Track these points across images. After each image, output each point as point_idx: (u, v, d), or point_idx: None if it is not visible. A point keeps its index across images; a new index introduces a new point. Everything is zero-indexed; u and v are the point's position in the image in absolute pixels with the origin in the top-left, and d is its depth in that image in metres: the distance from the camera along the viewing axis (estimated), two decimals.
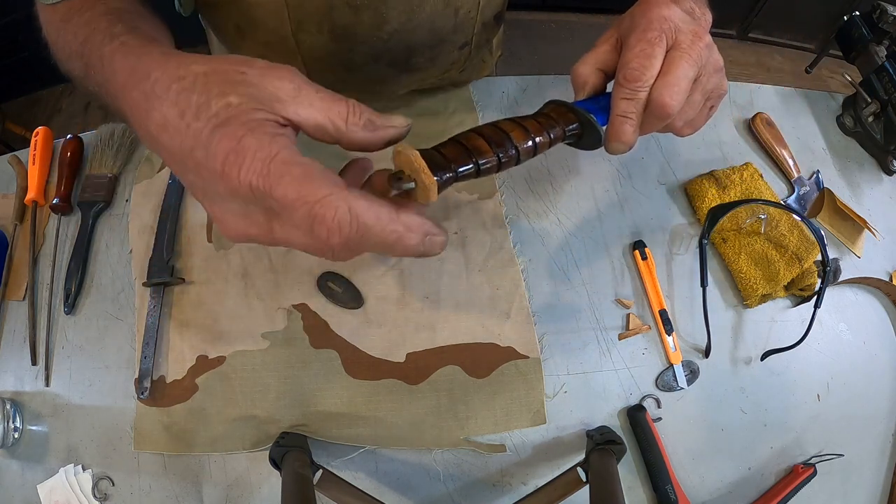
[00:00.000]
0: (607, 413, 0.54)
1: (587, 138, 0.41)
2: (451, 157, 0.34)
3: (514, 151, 0.36)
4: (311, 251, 0.30)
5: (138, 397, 0.51)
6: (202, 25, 0.67)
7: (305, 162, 0.28)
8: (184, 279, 0.56)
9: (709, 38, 0.40)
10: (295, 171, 0.28)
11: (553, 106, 0.41)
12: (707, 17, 0.42)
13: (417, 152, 0.33)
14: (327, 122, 0.31)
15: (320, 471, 0.45)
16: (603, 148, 0.41)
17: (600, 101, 0.41)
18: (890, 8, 0.64)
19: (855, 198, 0.67)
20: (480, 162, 0.35)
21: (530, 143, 0.37)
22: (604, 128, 0.40)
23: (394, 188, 0.34)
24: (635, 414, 0.53)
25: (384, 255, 0.31)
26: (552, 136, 0.39)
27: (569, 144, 0.42)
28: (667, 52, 0.39)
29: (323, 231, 0.28)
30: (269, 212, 0.29)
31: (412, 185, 0.33)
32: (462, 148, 0.35)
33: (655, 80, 0.38)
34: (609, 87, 0.42)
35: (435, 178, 0.32)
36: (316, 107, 0.31)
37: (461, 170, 0.34)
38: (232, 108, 0.29)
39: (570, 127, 0.40)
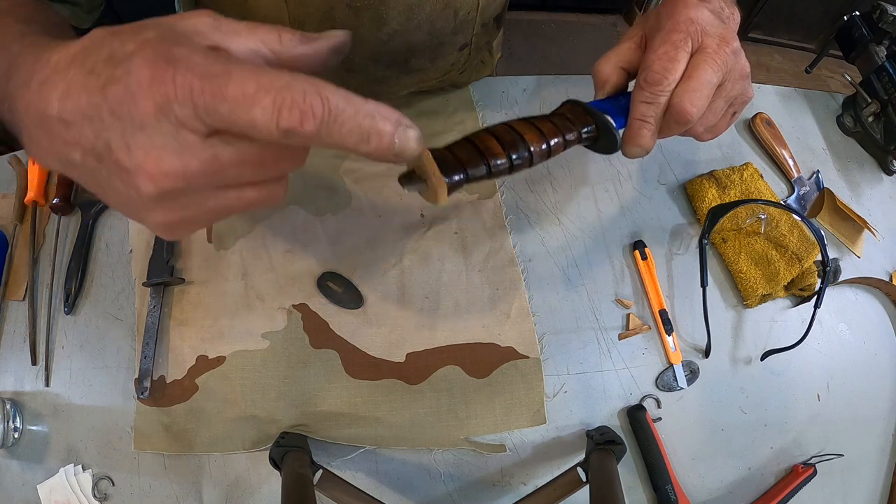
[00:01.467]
0: (607, 413, 0.54)
1: (603, 142, 0.40)
2: (463, 159, 0.33)
3: (527, 154, 0.35)
4: (266, 166, 0.26)
5: (138, 397, 0.51)
6: None
7: (248, 63, 0.24)
8: (184, 279, 0.56)
9: (736, 43, 0.39)
10: (245, 66, 0.23)
11: (569, 106, 0.40)
12: (736, 17, 0.41)
13: (429, 152, 0.32)
14: (259, 44, 0.27)
15: (320, 471, 0.45)
16: (619, 151, 0.40)
17: (620, 101, 0.40)
18: (890, 8, 0.64)
19: (855, 198, 0.67)
20: (492, 164, 0.34)
21: (544, 146, 0.36)
22: (621, 131, 0.39)
23: (405, 188, 0.33)
24: (635, 414, 0.53)
25: (356, 150, 0.25)
26: (567, 138, 0.37)
27: (585, 147, 0.41)
28: (692, 55, 0.37)
29: (295, 117, 0.23)
30: (207, 133, 0.24)
31: (423, 186, 0.33)
32: (474, 149, 0.34)
33: (677, 85, 0.37)
34: (631, 86, 0.41)
35: (445, 181, 0.32)
36: (243, 33, 0.27)
37: (472, 172, 0.33)
38: (151, 41, 0.24)
39: (586, 129, 0.39)
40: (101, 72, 0.24)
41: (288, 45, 0.28)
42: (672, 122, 0.38)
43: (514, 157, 0.35)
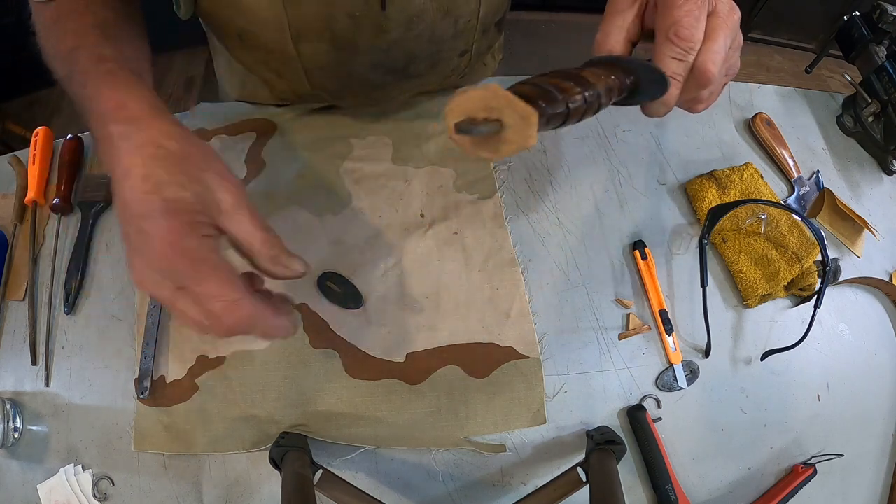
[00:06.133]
0: (607, 413, 0.54)
1: (645, 91, 0.37)
2: (535, 96, 0.27)
3: (594, 94, 0.31)
4: (196, 323, 0.36)
5: (138, 397, 0.51)
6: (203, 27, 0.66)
7: (226, 266, 0.35)
8: None
9: (739, 12, 0.38)
10: (220, 275, 0.35)
11: (601, 60, 0.36)
12: None
13: (501, 88, 0.26)
14: (247, 242, 0.37)
15: (320, 471, 0.45)
16: (642, 119, 0.39)
17: None
18: (890, 8, 0.64)
19: (855, 198, 0.67)
20: (570, 102, 0.29)
21: (605, 86, 0.32)
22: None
23: (472, 133, 0.27)
24: (635, 414, 0.53)
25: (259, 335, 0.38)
26: (623, 82, 0.34)
27: (620, 102, 0.37)
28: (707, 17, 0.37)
29: (231, 319, 0.35)
30: (180, 288, 0.35)
31: (496, 126, 0.27)
32: (542, 90, 0.28)
33: (701, 45, 0.36)
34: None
35: (536, 111, 0.26)
36: (244, 227, 0.37)
37: (552, 108, 0.28)
38: (184, 203, 0.35)
39: (629, 78, 0.36)
40: (149, 192, 0.34)
41: (261, 257, 0.38)
42: (693, 83, 0.37)
43: (587, 94, 0.31)
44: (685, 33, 0.35)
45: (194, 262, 0.34)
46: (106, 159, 0.37)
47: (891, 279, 0.63)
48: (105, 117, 0.37)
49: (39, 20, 0.45)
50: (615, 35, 0.39)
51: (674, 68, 0.36)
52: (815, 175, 0.67)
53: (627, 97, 0.37)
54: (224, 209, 0.36)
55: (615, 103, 0.37)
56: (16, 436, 0.51)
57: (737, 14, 0.38)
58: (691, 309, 0.58)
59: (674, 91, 0.37)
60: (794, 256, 0.58)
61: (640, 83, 0.36)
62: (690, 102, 0.41)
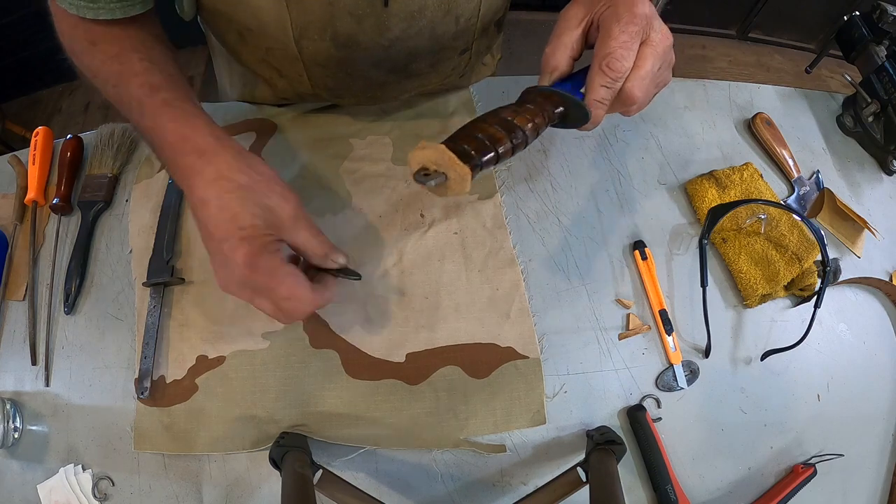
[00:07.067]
0: (607, 413, 0.54)
1: (573, 117, 0.44)
2: (473, 148, 0.37)
3: (522, 134, 0.39)
4: (273, 316, 0.44)
5: (138, 397, 0.51)
6: (202, 27, 0.66)
7: (291, 271, 0.42)
8: (184, 279, 0.56)
9: (671, 39, 0.43)
10: (289, 280, 0.42)
11: (535, 93, 0.43)
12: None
13: (446, 147, 0.36)
14: (303, 248, 0.45)
15: (320, 471, 0.45)
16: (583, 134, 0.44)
17: (565, 86, 0.44)
18: (890, 8, 0.64)
19: (855, 198, 0.67)
20: (499, 149, 0.38)
21: (530, 125, 0.40)
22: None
23: (424, 185, 0.37)
24: (635, 414, 0.53)
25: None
26: (546, 116, 0.41)
27: (552, 126, 0.44)
28: (640, 45, 0.41)
29: (299, 313, 0.44)
30: (256, 290, 0.42)
31: (443, 178, 0.37)
32: (478, 140, 0.38)
33: (629, 73, 0.41)
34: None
35: (469, 167, 0.35)
36: (301, 237, 0.44)
37: (483, 159, 0.37)
38: (255, 229, 0.41)
39: (558, 110, 0.43)
40: (227, 222, 0.41)
41: (316, 259, 0.45)
42: (619, 104, 0.43)
43: (514, 140, 0.39)
44: (616, 65, 0.40)
45: (267, 275, 0.41)
46: (181, 185, 0.44)
47: (891, 279, 0.63)
48: (173, 149, 0.43)
49: (73, 38, 0.48)
50: (560, 52, 0.44)
51: (602, 94, 0.41)
52: (815, 175, 0.67)
53: (558, 123, 0.44)
54: (286, 225, 0.43)
55: (552, 126, 0.44)
56: (16, 436, 0.51)
57: (668, 40, 0.42)
58: (691, 309, 0.58)
59: (601, 113, 0.42)
60: (794, 256, 0.58)
61: (568, 113, 0.43)
62: (621, 113, 0.46)
